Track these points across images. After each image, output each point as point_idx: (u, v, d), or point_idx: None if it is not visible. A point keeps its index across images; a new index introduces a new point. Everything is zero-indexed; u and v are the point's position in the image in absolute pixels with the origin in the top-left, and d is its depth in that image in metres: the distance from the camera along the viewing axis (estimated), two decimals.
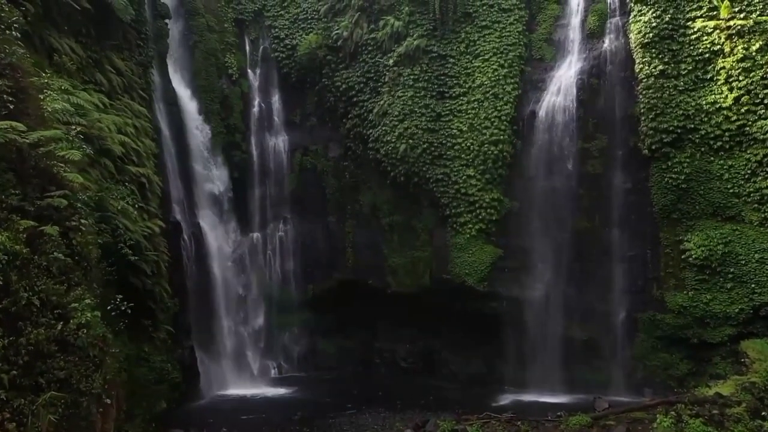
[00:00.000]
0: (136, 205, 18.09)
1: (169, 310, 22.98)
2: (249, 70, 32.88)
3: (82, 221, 10.61)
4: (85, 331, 9.56)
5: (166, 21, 28.10)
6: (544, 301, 27.25)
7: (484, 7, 29.28)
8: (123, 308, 11.64)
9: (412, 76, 29.37)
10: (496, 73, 28.33)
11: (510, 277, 27.69)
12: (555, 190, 27.11)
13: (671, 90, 25.08)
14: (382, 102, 29.88)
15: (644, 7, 25.92)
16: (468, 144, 28.20)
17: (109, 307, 11.14)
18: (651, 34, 25.45)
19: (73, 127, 12.09)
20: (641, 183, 25.95)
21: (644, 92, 25.55)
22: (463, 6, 29.37)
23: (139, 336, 20.98)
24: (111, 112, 20.19)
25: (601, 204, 26.70)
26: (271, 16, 32.96)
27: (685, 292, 24.69)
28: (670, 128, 24.96)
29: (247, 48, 33.03)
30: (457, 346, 29.72)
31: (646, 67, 25.54)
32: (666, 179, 25.08)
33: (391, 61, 29.85)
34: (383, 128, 29.51)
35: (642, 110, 25.60)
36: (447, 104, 29.02)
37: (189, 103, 28.89)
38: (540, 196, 27.34)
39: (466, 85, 28.89)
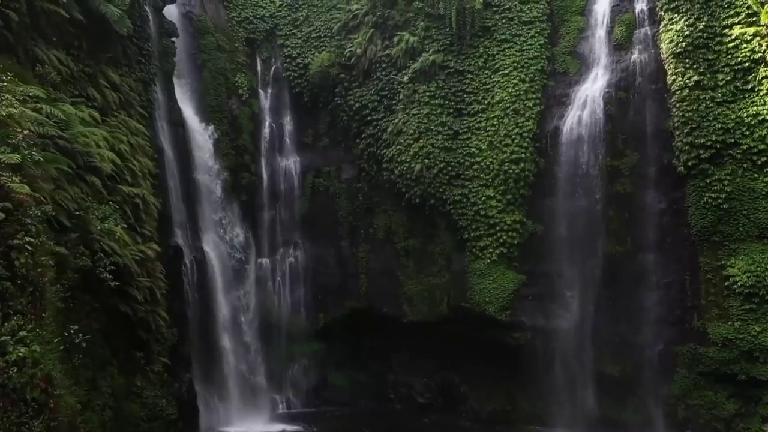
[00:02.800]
0: (120, 226, 16.59)
1: (166, 340, 21.44)
2: (260, 91, 31.90)
3: (29, 239, 9.12)
4: (15, 370, 7.97)
5: (173, 39, 27.23)
6: (572, 331, 25.22)
7: (504, 21, 27.92)
8: (77, 341, 10.06)
9: (427, 93, 28.01)
10: (516, 88, 26.82)
11: (534, 306, 25.82)
12: (582, 212, 25.24)
13: (708, 102, 23.15)
14: (396, 120, 28.54)
15: (676, 15, 24.19)
16: (487, 163, 26.60)
17: (56, 340, 9.58)
18: (684, 44, 23.66)
19: (19, 130, 10.76)
20: (677, 203, 23.89)
21: (678, 105, 23.68)
22: (481, 20, 28.02)
23: (130, 369, 19.41)
24: (104, 129, 18.99)
25: (633, 226, 24.70)
26: (283, 35, 32.06)
27: (729, 322, 22.35)
28: (708, 143, 22.96)
29: (259, 68, 32.10)
30: (478, 381, 27.68)
31: (680, 79, 23.70)
32: (705, 198, 23.00)
33: (405, 78, 28.58)
34: (398, 147, 28.09)
35: (676, 124, 23.70)
36: (465, 121, 27.54)
37: (195, 124, 27.84)
38: (566, 217, 25.52)
39: (485, 101, 27.40)
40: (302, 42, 31.84)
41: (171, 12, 28.15)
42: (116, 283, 14.67)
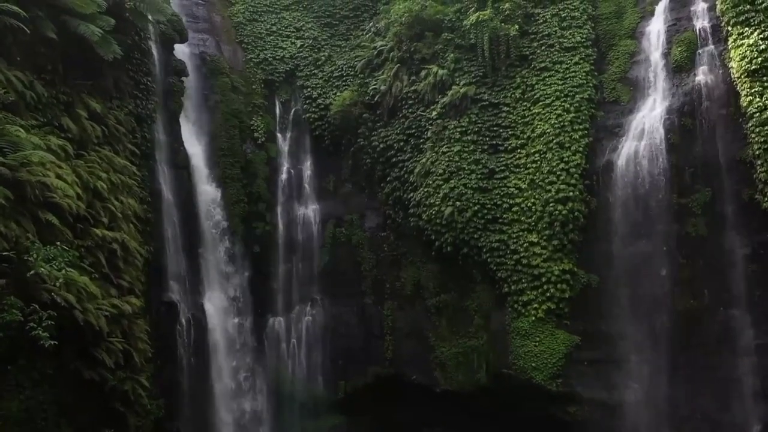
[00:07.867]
0: (67, 272, 13.60)
1: (149, 414, 18.18)
2: (278, 134, 29.49)
3: None
4: None
5: (182, 79, 25.36)
6: (642, 406, 21.01)
7: (543, 48, 25.19)
8: None
9: (458, 129, 25.08)
10: (560, 119, 23.66)
11: (592, 373, 21.86)
12: (645, 259, 21.54)
13: None
14: (424, 160, 25.59)
15: (746, 28, 20.84)
16: (529, 204, 23.22)
17: None
18: (760, 59, 20.20)
19: None
20: (766, 247, 19.77)
21: (757, 130, 19.97)
22: (517, 48, 25.32)
23: None
24: (80, 164, 16.53)
25: (711, 275, 20.66)
26: (303, 75, 29.91)
27: None
28: None
29: (278, 110, 29.82)
30: None
31: (757, 99, 20.08)
32: None
33: (434, 114, 25.82)
34: (426, 190, 24.98)
35: (756, 152, 19.92)
36: (501, 159, 24.45)
37: (202, 168, 25.48)
38: (626, 266, 21.81)
39: (524, 136, 24.29)
40: (323, 82, 29.59)
41: (182, 51, 26.42)
42: (52, 342, 11.46)
